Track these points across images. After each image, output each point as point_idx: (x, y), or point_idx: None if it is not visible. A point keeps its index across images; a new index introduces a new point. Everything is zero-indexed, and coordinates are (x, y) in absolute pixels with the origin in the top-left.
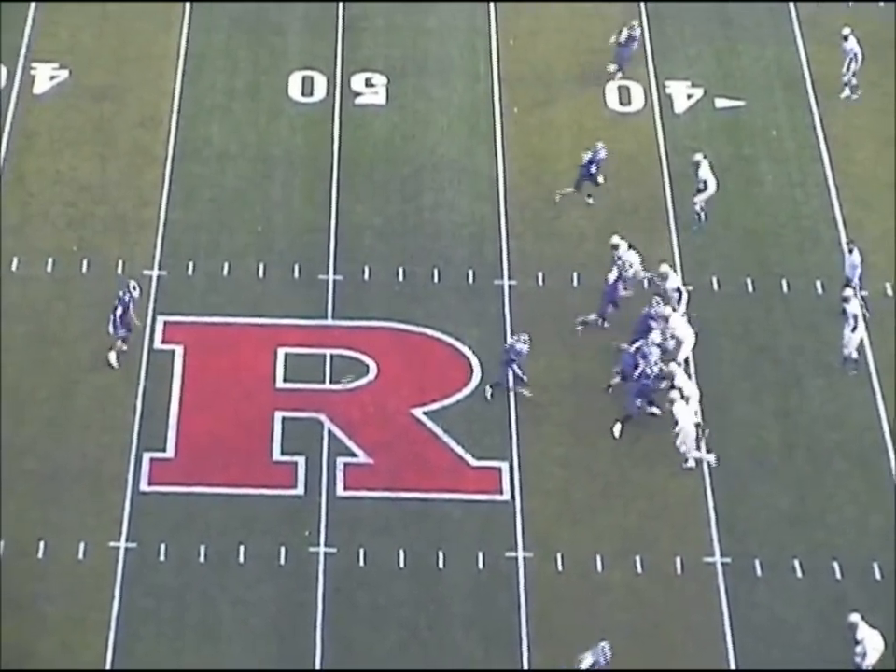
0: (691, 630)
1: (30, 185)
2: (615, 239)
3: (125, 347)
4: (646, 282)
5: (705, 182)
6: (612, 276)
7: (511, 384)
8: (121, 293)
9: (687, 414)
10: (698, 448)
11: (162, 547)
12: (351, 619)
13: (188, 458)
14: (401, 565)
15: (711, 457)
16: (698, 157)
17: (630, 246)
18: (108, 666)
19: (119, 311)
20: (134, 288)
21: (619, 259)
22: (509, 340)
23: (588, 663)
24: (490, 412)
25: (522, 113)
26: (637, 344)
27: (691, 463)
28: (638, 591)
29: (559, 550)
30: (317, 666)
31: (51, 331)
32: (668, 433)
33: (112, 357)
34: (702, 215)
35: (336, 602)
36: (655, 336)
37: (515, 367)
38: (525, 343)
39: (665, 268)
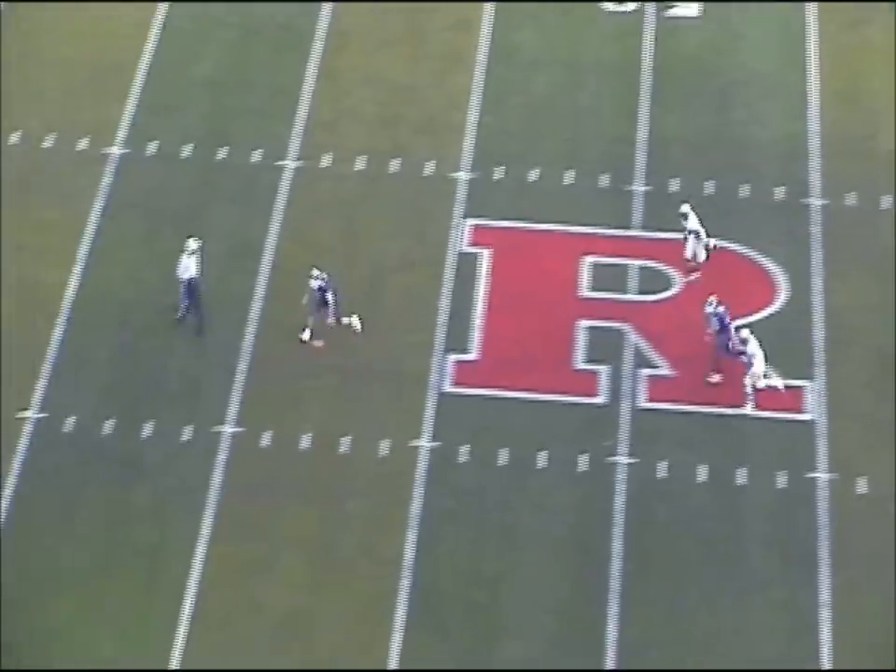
0: None
1: (343, 83)
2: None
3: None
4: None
5: None
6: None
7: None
8: (317, 282)
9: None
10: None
11: (463, 448)
12: (649, 529)
13: (491, 361)
14: (701, 479)
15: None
16: None
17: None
18: (405, 564)
19: (324, 297)
20: (316, 278)
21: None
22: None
23: None
24: (795, 331)
25: (837, 31)
26: None
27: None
28: None
29: (862, 473)
30: (613, 574)
31: (360, 229)
32: None
33: (305, 334)
34: None
35: (634, 512)
36: None
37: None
38: (711, 305)
39: None
